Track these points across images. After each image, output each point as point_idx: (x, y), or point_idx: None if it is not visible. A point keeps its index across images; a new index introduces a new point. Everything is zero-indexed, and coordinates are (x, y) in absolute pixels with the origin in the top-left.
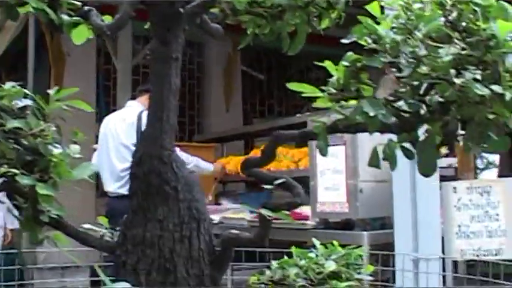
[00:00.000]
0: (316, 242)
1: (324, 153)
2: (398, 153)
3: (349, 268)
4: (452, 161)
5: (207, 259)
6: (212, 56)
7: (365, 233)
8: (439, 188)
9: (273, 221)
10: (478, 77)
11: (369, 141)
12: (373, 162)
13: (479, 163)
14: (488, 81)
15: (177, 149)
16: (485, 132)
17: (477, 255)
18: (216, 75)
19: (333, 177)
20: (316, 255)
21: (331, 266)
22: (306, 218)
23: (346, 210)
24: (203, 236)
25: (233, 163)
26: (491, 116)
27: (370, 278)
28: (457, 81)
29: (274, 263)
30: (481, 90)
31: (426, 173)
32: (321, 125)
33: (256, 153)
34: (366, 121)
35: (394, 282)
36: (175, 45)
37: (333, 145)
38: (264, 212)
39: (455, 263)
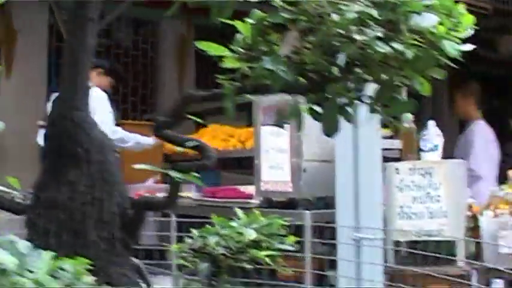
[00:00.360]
0: (239, 212)
1: (230, 115)
2: (342, 133)
3: (271, 238)
4: (397, 143)
5: (118, 222)
6: (166, 36)
7: (308, 212)
8: (382, 169)
9: (217, 200)
10: (380, 35)
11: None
12: (278, 121)
13: (424, 145)
14: (391, 40)
15: (119, 128)
16: (391, 94)
17: (418, 236)
18: (169, 55)
19: (277, 156)
20: (238, 225)
21: (251, 234)
22: (249, 196)
23: (289, 189)
24: (115, 199)
25: None
26: (397, 78)
27: (292, 248)
28: (358, 38)
29: (195, 232)
30: (382, 48)
31: (329, 133)
32: (230, 86)
33: (203, 133)
34: (269, 79)
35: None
36: (91, 6)
37: (277, 124)
38: (173, 173)
39: (397, 244)
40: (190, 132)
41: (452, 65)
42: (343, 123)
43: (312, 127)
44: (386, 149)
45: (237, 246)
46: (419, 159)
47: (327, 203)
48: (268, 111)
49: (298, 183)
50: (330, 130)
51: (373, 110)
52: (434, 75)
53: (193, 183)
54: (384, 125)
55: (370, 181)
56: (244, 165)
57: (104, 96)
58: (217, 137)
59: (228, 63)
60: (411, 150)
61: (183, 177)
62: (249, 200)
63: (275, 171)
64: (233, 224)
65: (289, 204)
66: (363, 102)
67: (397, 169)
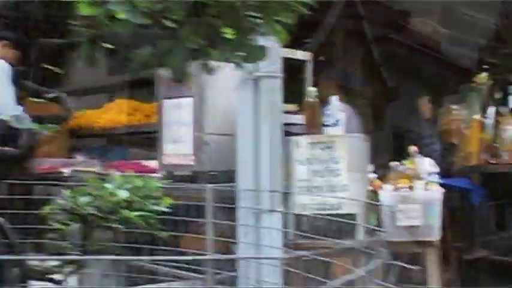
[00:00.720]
0: (116, 174)
1: (84, 62)
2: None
3: (146, 200)
4: (301, 118)
5: None
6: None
7: (209, 185)
8: (283, 142)
9: None
10: None
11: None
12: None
13: (327, 120)
14: None
15: (19, 107)
16: (244, 39)
17: (319, 210)
18: None
19: (179, 129)
20: (112, 186)
21: (123, 195)
22: (153, 171)
23: (191, 162)
24: None
25: (87, 116)
26: (249, 23)
27: (166, 209)
28: None
29: (66, 192)
30: None
31: (176, 78)
32: (86, 33)
33: (109, 107)
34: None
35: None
36: None
37: (180, 97)
38: (34, 125)
39: (298, 217)
40: (101, 106)
41: (302, 9)
42: (245, 96)
43: (215, 100)
44: (290, 124)
45: (108, 207)
46: (322, 134)
47: (230, 176)
48: (171, 84)
49: (200, 156)
50: (177, 74)
51: (226, 55)
52: (285, 19)
53: (96, 158)
54: (289, 100)
55: (270, 155)
56: (149, 139)
57: (6, 68)
58: (123, 112)
59: (84, 11)
60: (315, 125)
61: (41, 128)
62: (151, 174)
63: (177, 144)
64: (106, 185)
65: (192, 178)
66: (215, 47)
67: (297, 143)
